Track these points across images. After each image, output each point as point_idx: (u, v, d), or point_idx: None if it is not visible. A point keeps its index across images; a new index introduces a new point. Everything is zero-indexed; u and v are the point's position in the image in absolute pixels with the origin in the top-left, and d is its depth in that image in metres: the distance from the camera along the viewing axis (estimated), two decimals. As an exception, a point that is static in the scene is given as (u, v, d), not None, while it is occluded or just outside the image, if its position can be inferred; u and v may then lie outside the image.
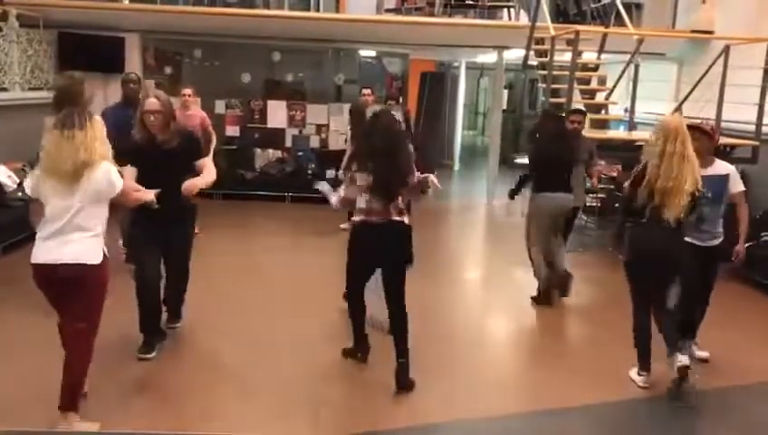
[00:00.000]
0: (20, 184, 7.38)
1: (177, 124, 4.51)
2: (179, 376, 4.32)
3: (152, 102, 4.33)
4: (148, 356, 4.47)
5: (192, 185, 4.38)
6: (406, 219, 4.16)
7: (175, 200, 4.30)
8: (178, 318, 5.02)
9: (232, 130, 10.56)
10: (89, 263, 3.44)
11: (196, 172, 4.54)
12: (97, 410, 3.73)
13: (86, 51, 9.05)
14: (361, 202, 4.12)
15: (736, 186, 4.55)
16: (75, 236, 3.43)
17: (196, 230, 7.79)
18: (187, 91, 7.64)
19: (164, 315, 4.86)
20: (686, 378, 4.11)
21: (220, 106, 10.44)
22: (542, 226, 5.92)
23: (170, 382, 4.23)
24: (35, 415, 3.65)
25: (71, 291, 3.45)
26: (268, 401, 4.04)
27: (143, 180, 4.21)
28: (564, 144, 5.86)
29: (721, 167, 4.55)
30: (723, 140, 7.23)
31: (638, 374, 4.46)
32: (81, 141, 3.36)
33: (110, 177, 3.47)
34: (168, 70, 10.50)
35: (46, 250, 3.43)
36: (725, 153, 7.02)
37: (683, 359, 4.13)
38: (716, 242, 4.55)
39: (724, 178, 4.51)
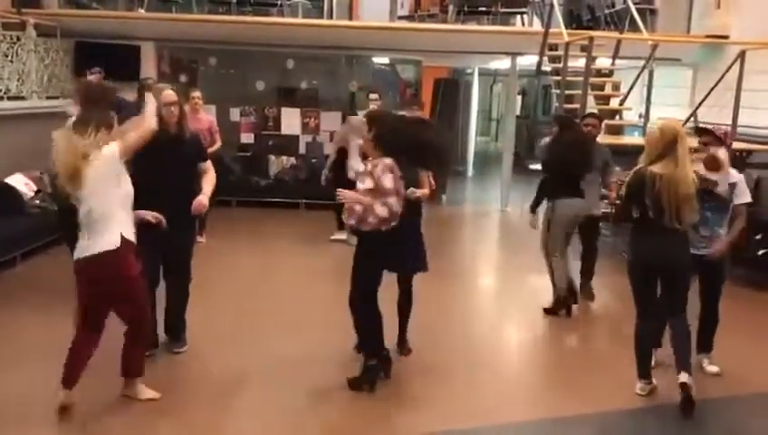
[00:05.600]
0: (38, 192, 7.43)
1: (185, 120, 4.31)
2: (179, 392, 4.33)
3: (170, 94, 4.12)
4: None
5: (200, 204, 4.25)
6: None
7: (178, 199, 4.15)
8: (179, 341, 4.62)
9: (246, 138, 10.63)
10: None
11: (199, 174, 4.40)
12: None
13: (102, 59, 9.11)
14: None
15: (741, 196, 4.41)
16: None
17: (201, 239, 7.80)
18: (196, 93, 7.63)
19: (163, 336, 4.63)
20: (689, 394, 4.00)
21: (235, 113, 10.51)
22: (562, 233, 5.84)
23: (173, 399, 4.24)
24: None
25: None
26: (277, 419, 4.02)
27: (152, 176, 3.89)
28: (582, 149, 5.71)
29: (729, 174, 4.41)
30: (740, 146, 7.19)
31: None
32: None
33: None
34: (182, 78, 10.58)
35: None
36: (743, 159, 6.95)
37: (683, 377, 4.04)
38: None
39: (731, 187, 4.38)
